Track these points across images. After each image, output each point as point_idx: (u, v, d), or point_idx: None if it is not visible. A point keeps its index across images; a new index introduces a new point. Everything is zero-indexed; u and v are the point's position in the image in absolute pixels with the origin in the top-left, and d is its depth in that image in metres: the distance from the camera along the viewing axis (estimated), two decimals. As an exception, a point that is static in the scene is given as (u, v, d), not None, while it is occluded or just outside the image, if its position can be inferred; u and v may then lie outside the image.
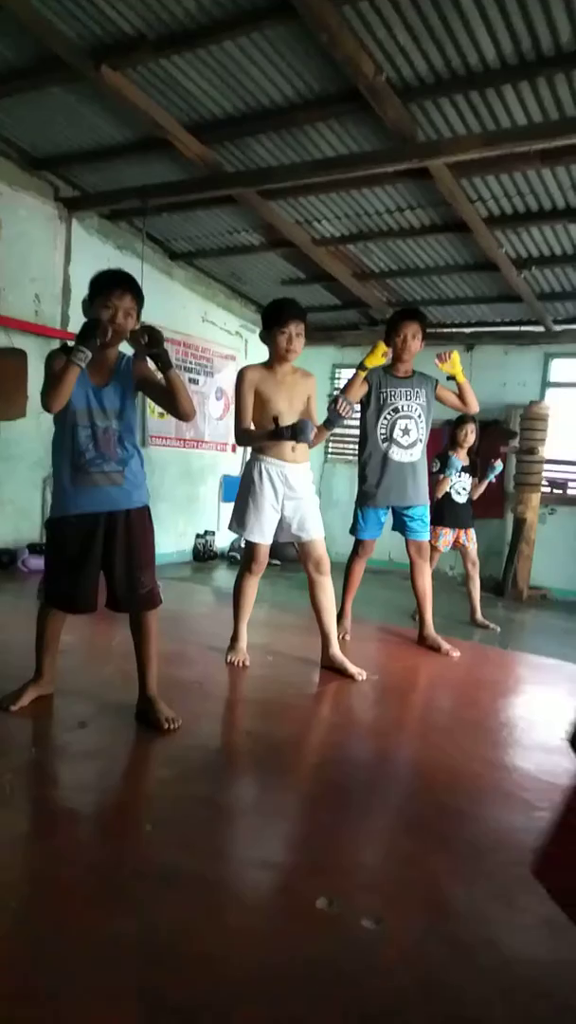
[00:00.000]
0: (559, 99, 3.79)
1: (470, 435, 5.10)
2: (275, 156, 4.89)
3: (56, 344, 4.63)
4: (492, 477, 5.29)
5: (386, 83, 3.85)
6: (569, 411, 7.25)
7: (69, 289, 5.82)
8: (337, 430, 3.60)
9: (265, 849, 1.76)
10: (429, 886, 1.63)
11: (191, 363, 7.34)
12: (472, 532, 5.24)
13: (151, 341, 2.14)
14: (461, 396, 3.60)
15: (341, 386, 3.81)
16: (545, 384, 7.46)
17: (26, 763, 2.12)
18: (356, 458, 3.74)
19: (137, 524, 2.36)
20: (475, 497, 5.27)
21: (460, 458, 5.08)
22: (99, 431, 2.28)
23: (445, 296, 7.02)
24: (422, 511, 3.64)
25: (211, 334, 7.58)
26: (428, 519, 3.70)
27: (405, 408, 3.51)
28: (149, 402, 6.05)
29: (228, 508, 3.40)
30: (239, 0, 3.51)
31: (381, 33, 3.53)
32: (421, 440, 3.56)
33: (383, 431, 3.52)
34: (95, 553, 2.31)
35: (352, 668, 3.05)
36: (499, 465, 5.32)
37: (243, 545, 3.22)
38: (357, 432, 3.69)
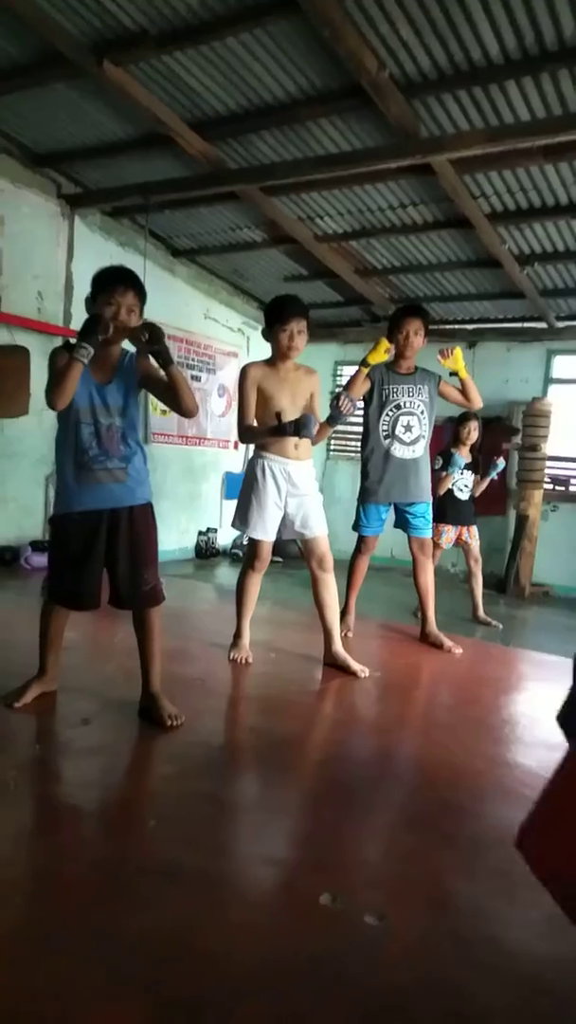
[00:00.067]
0: (562, 94, 3.77)
1: (473, 432, 5.10)
2: (278, 152, 4.88)
3: (58, 341, 4.64)
4: (494, 474, 5.29)
5: (389, 79, 3.83)
6: (572, 407, 7.24)
7: (71, 286, 5.82)
8: (339, 427, 3.60)
9: (268, 845, 1.77)
10: (432, 882, 1.63)
11: (193, 360, 7.33)
12: (474, 529, 5.24)
13: (151, 338, 2.14)
14: (464, 392, 3.59)
15: (343, 383, 3.80)
16: (547, 381, 7.45)
17: (30, 759, 2.12)
18: (358, 455, 3.74)
19: (140, 521, 2.37)
20: (477, 494, 5.27)
21: (463, 455, 5.08)
22: (102, 428, 2.28)
23: (448, 292, 7.01)
24: (424, 508, 3.64)
25: (213, 331, 7.58)
26: (430, 516, 3.70)
27: (407, 405, 3.51)
28: (152, 399, 6.06)
29: (230, 505, 3.41)
30: (241, -4, 3.51)
31: (384, 28, 3.52)
32: (424, 436, 3.56)
33: (385, 427, 3.52)
34: (98, 550, 2.32)
35: (355, 665, 3.06)
36: (501, 462, 5.31)
37: (246, 542, 3.22)
38: (359, 429, 3.68)
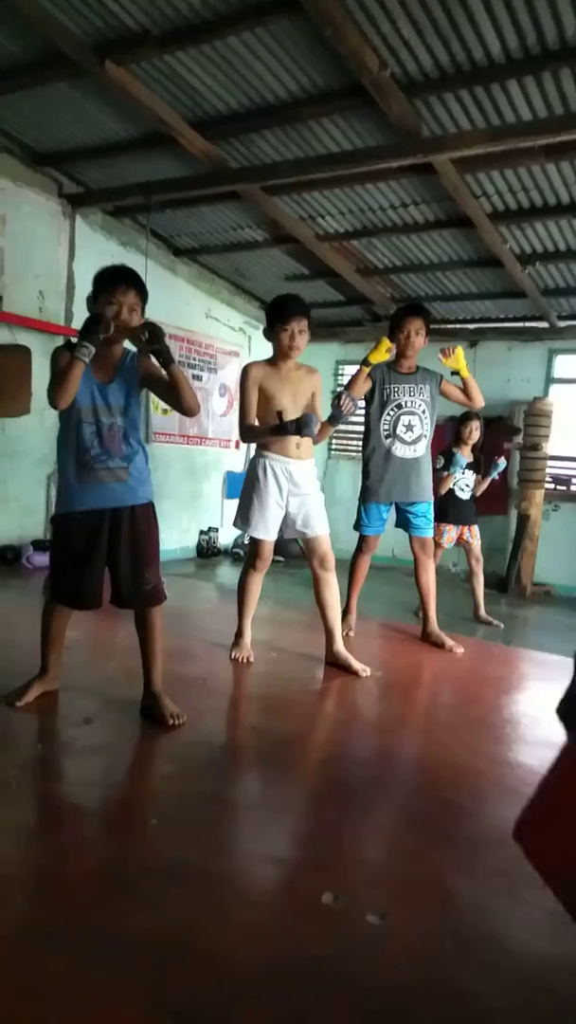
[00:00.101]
0: (564, 94, 3.77)
1: (475, 432, 5.10)
2: (279, 152, 4.88)
3: (60, 341, 4.64)
4: (495, 474, 5.29)
5: (390, 78, 3.83)
6: (573, 407, 7.23)
7: (73, 285, 5.82)
8: (341, 426, 3.60)
9: (270, 844, 1.77)
10: (433, 881, 1.64)
11: (195, 359, 7.33)
12: (476, 528, 5.25)
13: (152, 337, 2.14)
14: (466, 391, 3.59)
15: (345, 382, 3.80)
16: (549, 380, 7.45)
17: (32, 759, 2.13)
18: (360, 454, 3.74)
19: (142, 520, 2.37)
20: (479, 494, 5.27)
21: (464, 455, 5.08)
22: (104, 428, 2.28)
23: (449, 292, 7.01)
24: (426, 507, 3.64)
25: (215, 330, 7.58)
26: (432, 515, 3.70)
27: (408, 404, 3.51)
28: (153, 399, 6.06)
29: (231, 505, 3.41)
30: (243, -5, 3.51)
31: (385, 27, 3.51)
32: (425, 436, 3.56)
33: (386, 427, 3.52)
34: (100, 549, 2.32)
35: (356, 664, 3.06)
36: (503, 462, 5.32)
37: (247, 542, 3.22)
38: (361, 428, 3.68)
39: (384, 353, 3.36)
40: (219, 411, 7.78)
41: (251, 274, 7.40)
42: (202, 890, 1.52)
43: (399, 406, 3.51)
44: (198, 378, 7.34)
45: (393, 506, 3.65)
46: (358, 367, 3.44)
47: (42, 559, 5.12)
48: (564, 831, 0.79)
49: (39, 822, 1.84)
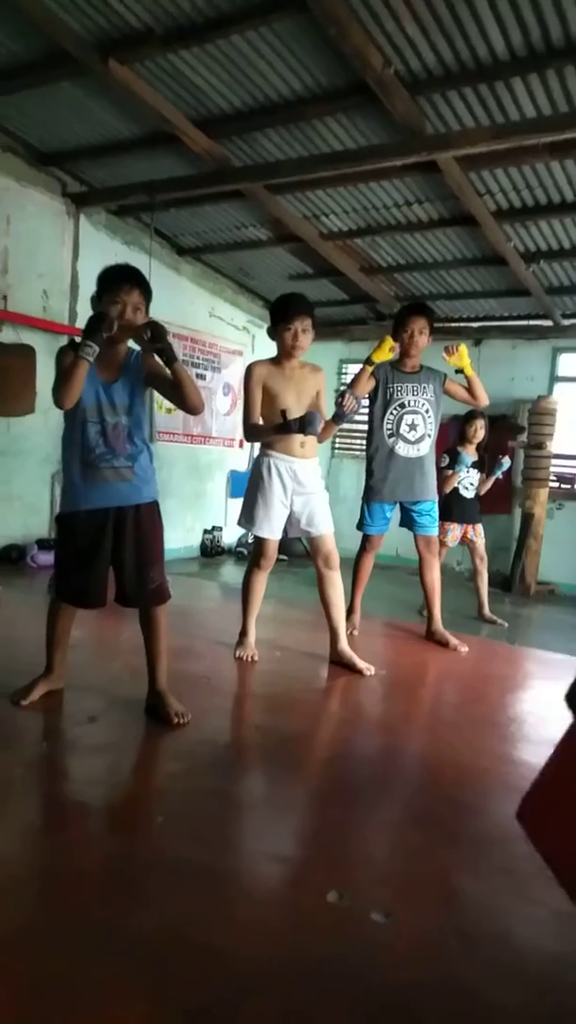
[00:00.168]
0: (568, 91, 3.77)
1: (480, 431, 5.09)
2: (283, 150, 4.88)
3: (64, 340, 4.64)
4: (500, 473, 5.28)
5: (394, 76, 3.83)
6: (577, 406, 7.23)
7: (77, 285, 5.83)
8: (345, 425, 3.60)
9: (275, 842, 1.77)
10: (439, 880, 1.64)
11: (198, 359, 7.34)
12: (480, 527, 5.24)
13: (154, 336, 2.14)
14: (470, 390, 3.58)
15: (348, 381, 3.80)
16: (553, 379, 7.44)
17: (37, 757, 2.13)
18: (364, 453, 3.74)
19: (146, 519, 2.37)
20: (483, 492, 5.27)
21: (469, 453, 5.07)
22: (108, 427, 2.28)
23: (453, 290, 7.00)
24: (430, 506, 3.63)
25: (218, 329, 7.58)
26: (436, 514, 3.70)
27: (412, 403, 3.51)
28: (157, 398, 6.06)
29: (235, 504, 3.41)
30: (247, -6, 3.51)
31: (390, 25, 3.51)
32: (429, 435, 3.55)
33: (389, 426, 3.52)
34: (105, 548, 2.32)
35: (360, 663, 3.06)
36: (507, 461, 5.31)
37: (251, 540, 3.22)
38: (365, 427, 3.68)
39: (387, 352, 3.36)
40: (223, 410, 7.79)
41: (255, 273, 7.40)
42: (207, 887, 1.52)
43: (402, 405, 3.51)
44: (202, 377, 7.34)
45: (397, 505, 3.65)
46: (361, 366, 3.43)
47: (47, 558, 5.13)
48: (565, 813, 0.80)
49: (45, 820, 1.85)
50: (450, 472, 4.96)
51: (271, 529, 3.03)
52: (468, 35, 3.50)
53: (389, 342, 3.34)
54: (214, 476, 7.81)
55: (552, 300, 6.67)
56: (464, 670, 3.40)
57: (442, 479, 4.77)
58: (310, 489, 3.02)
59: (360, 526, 3.72)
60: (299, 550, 6.91)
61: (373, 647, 3.54)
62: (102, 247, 5.94)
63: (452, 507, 5.03)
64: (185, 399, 2.25)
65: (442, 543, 4.79)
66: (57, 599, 2.45)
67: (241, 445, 8.00)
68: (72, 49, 4.03)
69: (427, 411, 3.53)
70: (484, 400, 3.65)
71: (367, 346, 6.89)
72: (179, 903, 1.47)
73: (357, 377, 3.45)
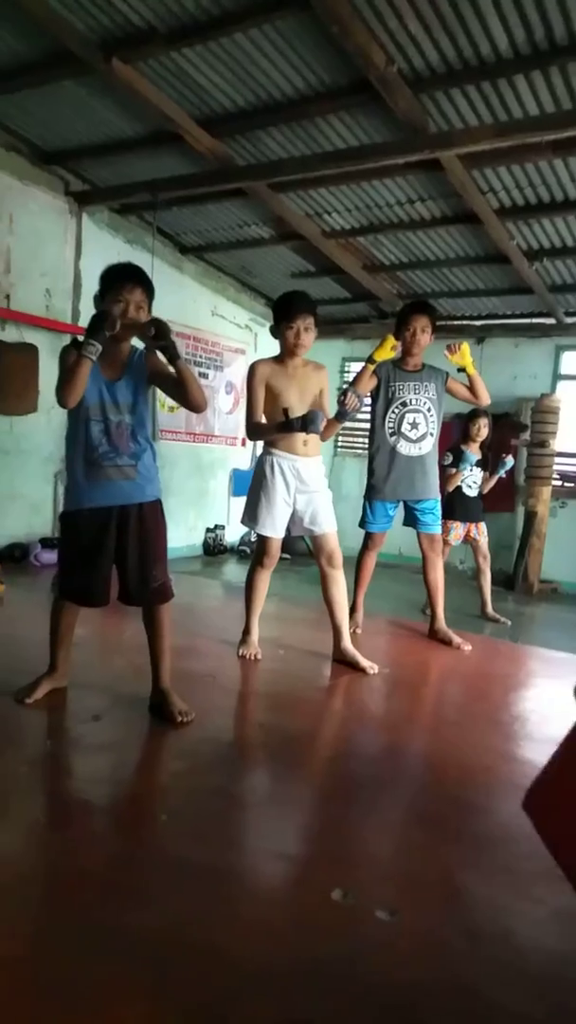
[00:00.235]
0: (572, 88, 3.76)
1: (483, 429, 5.09)
2: (285, 149, 4.88)
3: (67, 339, 4.65)
4: (503, 472, 5.28)
5: (397, 74, 3.82)
6: (580, 404, 7.22)
7: (80, 283, 5.83)
8: (347, 424, 3.60)
9: (279, 840, 1.77)
10: (443, 878, 1.64)
11: (201, 357, 7.34)
12: (483, 526, 5.24)
13: (158, 333, 2.14)
14: (472, 388, 3.57)
15: (351, 379, 3.80)
16: (556, 377, 7.43)
17: (41, 755, 2.14)
18: (366, 451, 3.74)
19: (150, 518, 2.37)
20: (486, 491, 5.26)
21: (473, 452, 5.07)
22: (112, 425, 2.29)
23: (456, 288, 6.99)
24: (433, 504, 3.63)
25: (221, 328, 7.58)
26: (439, 512, 3.70)
27: (414, 402, 3.51)
28: (159, 396, 6.07)
29: (238, 502, 3.41)
30: (249, -8, 3.50)
31: (392, 23, 3.51)
32: (431, 434, 3.55)
33: (391, 425, 3.52)
34: (108, 547, 2.32)
35: (364, 662, 3.06)
36: (510, 460, 5.31)
37: (254, 539, 3.22)
38: (367, 425, 3.68)
39: (389, 351, 3.35)
40: (225, 409, 7.79)
41: (257, 271, 7.40)
42: (210, 886, 1.53)
43: (404, 404, 3.50)
44: (204, 376, 7.34)
45: (401, 504, 3.65)
46: (363, 364, 3.43)
47: (50, 557, 5.14)
48: (571, 803, 0.80)
49: (48, 818, 1.85)
50: (454, 470, 4.96)
51: (274, 528, 3.03)
52: (471, 32, 3.49)
53: (391, 341, 3.34)
54: (216, 475, 7.81)
55: (555, 298, 6.66)
56: (467, 668, 3.40)
57: (446, 477, 4.77)
58: (313, 487, 3.02)
59: (362, 524, 3.72)
60: (302, 549, 6.92)
61: (376, 646, 3.54)
62: (105, 246, 5.95)
63: (455, 505, 5.03)
64: (189, 397, 2.26)
65: (445, 542, 4.78)
66: (61, 597, 2.45)
67: (244, 443, 8.00)
68: (75, 48, 4.03)
69: (429, 410, 3.52)
70: (486, 399, 3.64)
71: (369, 344, 6.89)
72: (182, 902, 1.47)
73: (359, 376, 3.45)
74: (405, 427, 3.51)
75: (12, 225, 5.31)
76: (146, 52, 4.02)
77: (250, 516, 3.07)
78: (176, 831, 1.75)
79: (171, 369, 2.23)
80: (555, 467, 7.07)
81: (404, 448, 3.52)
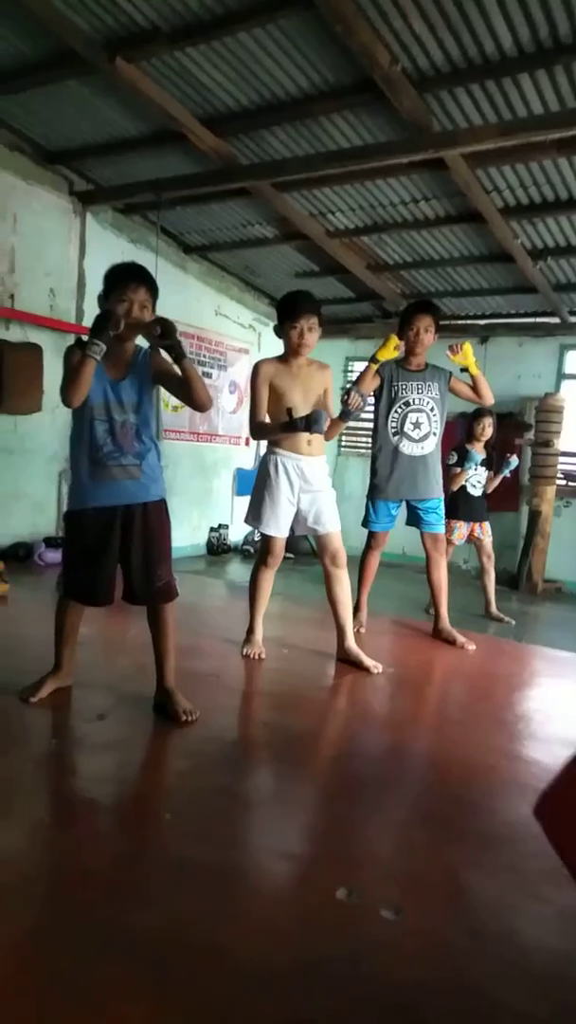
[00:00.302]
0: (576, 87, 3.75)
1: (488, 429, 5.08)
2: (289, 148, 4.88)
3: (71, 338, 4.66)
4: (507, 472, 5.28)
5: (401, 73, 3.82)
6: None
7: (84, 283, 5.84)
8: (351, 423, 3.59)
9: (283, 840, 1.78)
10: (447, 877, 1.64)
11: (204, 357, 7.34)
12: (487, 525, 5.23)
13: (164, 332, 2.14)
14: (475, 388, 3.57)
15: (354, 379, 3.80)
16: (560, 376, 7.41)
17: (46, 754, 2.14)
18: (370, 451, 3.74)
19: (154, 517, 2.38)
20: (490, 491, 5.26)
21: (477, 451, 5.07)
22: (116, 425, 2.29)
23: (460, 288, 6.98)
24: (436, 503, 3.63)
25: (225, 327, 7.58)
26: (443, 511, 3.69)
27: (417, 402, 3.50)
28: (163, 395, 6.08)
29: (241, 501, 3.42)
30: (253, -9, 3.50)
31: (397, 23, 3.50)
32: (434, 433, 3.55)
33: (394, 425, 3.52)
34: (113, 546, 2.33)
35: (368, 661, 3.06)
36: (514, 460, 5.30)
37: (258, 538, 3.22)
38: (371, 425, 3.68)
39: (392, 351, 3.35)
40: (229, 408, 7.79)
41: (261, 271, 7.40)
42: (214, 885, 1.53)
43: (407, 403, 3.50)
44: (208, 375, 7.34)
45: (404, 503, 3.65)
46: (366, 364, 3.43)
47: (54, 556, 5.14)
48: None
49: (53, 817, 1.86)
50: (458, 470, 4.95)
51: (278, 527, 3.03)
52: (475, 31, 3.48)
53: (394, 340, 3.34)
54: (220, 474, 7.81)
55: (559, 297, 6.65)
56: (471, 668, 3.40)
57: (450, 477, 4.77)
58: (317, 487, 3.02)
59: (365, 523, 3.72)
60: (306, 548, 6.92)
61: (380, 645, 3.54)
62: (108, 245, 5.95)
63: (459, 505, 5.03)
64: (193, 396, 2.25)
65: (449, 541, 4.79)
66: (65, 597, 2.46)
67: (247, 443, 8.00)
68: (79, 48, 4.03)
69: (432, 409, 3.52)
70: (489, 399, 3.64)
71: (373, 344, 6.88)
72: (185, 901, 1.47)
73: (362, 375, 3.45)
74: (408, 427, 3.51)
75: (16, 225, 5.32)
76: (150, 51, 4.02)
77: (254, 515, 3.07)
78: (180, 830, 1.75)
79: (176, 368, 2.23)
80: (559, 466, 7.05)
81: (407, 448, 3.52)
